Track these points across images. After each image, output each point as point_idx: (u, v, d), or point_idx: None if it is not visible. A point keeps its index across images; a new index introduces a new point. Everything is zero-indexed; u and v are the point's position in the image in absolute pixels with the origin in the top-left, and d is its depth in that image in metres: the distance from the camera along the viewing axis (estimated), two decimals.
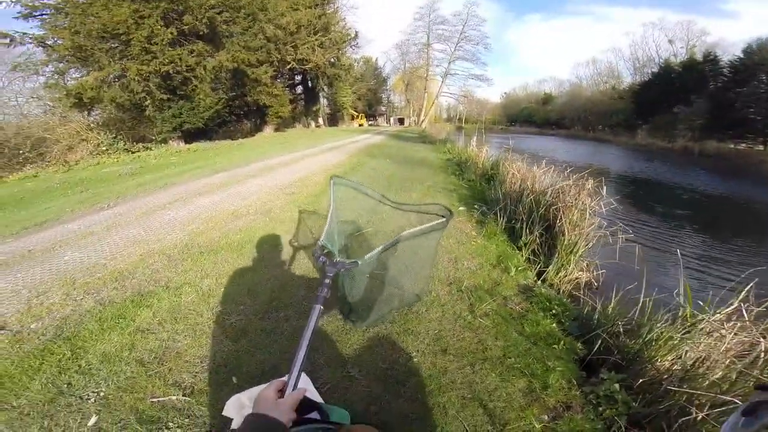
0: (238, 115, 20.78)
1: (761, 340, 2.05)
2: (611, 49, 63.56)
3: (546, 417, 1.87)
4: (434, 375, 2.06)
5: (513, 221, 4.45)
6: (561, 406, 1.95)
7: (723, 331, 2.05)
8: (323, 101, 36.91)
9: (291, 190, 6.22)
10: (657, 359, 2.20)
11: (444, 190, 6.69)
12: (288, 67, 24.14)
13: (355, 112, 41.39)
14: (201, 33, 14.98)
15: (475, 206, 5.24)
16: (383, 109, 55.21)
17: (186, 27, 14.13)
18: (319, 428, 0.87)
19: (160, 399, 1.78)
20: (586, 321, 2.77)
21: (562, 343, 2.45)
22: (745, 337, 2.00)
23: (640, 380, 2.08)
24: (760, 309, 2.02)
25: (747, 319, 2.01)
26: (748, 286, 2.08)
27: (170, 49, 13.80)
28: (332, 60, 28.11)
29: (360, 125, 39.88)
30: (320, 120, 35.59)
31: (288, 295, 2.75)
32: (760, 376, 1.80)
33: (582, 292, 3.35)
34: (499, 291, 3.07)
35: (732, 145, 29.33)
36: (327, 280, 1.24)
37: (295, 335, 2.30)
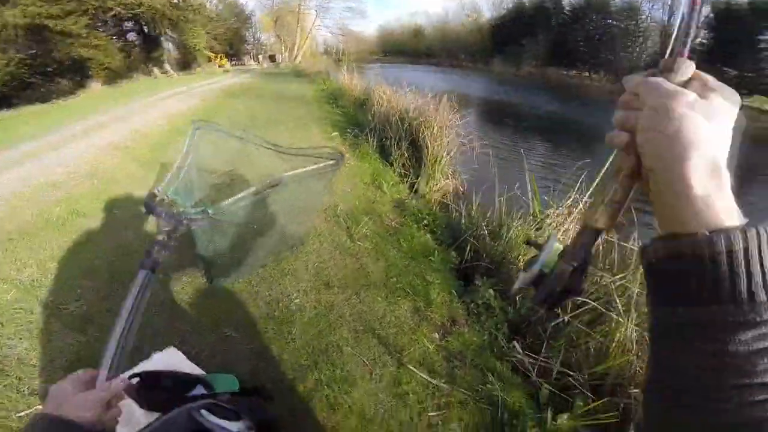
0: (45, 74, 16.66)
1: None
2: None
3: (437, 335, 1.89)
4: (321, 313, 1.94)
5: (383, 140, 4.53)
6: (448, 321, 1.99)
7: (566, 225, 2.20)
8: (169, 46, 31.33)
9: (126, 144, 5.08)
10: (519, 259, 2.28)
11: (317, 119, 6.41)
12: (111, 14, 19.61)
13: (212, 54, 35.84)
14: None
15: (348, 130, 5.18)
16: (249, 47, 49.06)
17: None
18: (206, 404, 0.78)
19: (27, 412, 1.61)
20: (455, 227, 2.85)
21: (436, 253, 2.50)
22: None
23: (510, 286, 2.12)
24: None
25: (583, 208, 2.20)
26: (579, 180, 2.26)
27: None
28: (175, 0, 23.98)
29: (221, 66, 35.03)
30: (166, 66, 30.11)
31: (134, 263, 2.06)
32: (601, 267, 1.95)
33: (451, 199, 3.49)
34: (375, 209, 3.00)
35: (565, 72, 35.26)
36: (161, 237, 0.93)
37: (158, 301, 1.97)
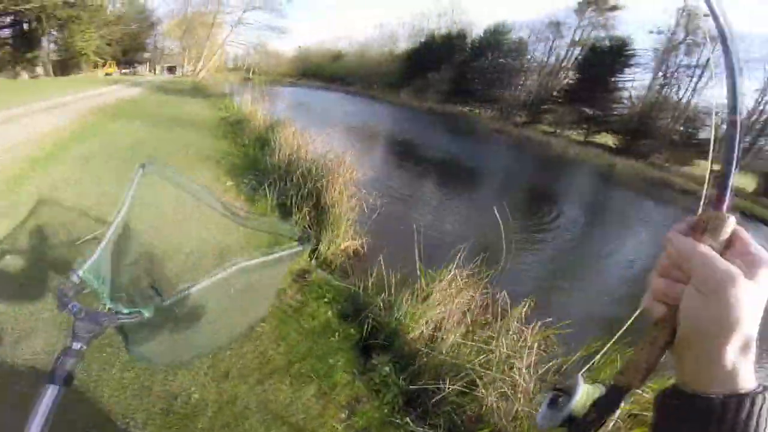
0: None
1: (474, 296, 2.45)
2: (397, 17, 69.80)
3: (343, 415, 1.96)
4: (224, 406, 1.83)
5: (284, 197, 4.25)
6: (353, 400, 2.05)
7: (447, 300, 2.34)
8: (49, 46, 26.87)
9: None
10: (409, 334, 2.34)
11: (212, 159, 5.78)
12: None
13: (100, 59, 31.43)
14: None
15: (245, 181, 4.78)
16: (147, 55, 44.27)
17: None
18: None
19: None
20: (355, 299, 2.89)
21: (338, 333, 2.51)
22: (462, 298, 2.36)
23: (404, 360, 2.28)
24: (469, 272, 2.43)
25: (460, 281, 2.37)
26: (459, 253, 2.46)
27: None
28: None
29: (108, 74, 30.88)
30: (38, 70, 25.60)
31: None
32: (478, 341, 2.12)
33: (352, 266, 3.51)
34: None
35: (460, 108, 38.88)
36: (77, 344, 0.76)
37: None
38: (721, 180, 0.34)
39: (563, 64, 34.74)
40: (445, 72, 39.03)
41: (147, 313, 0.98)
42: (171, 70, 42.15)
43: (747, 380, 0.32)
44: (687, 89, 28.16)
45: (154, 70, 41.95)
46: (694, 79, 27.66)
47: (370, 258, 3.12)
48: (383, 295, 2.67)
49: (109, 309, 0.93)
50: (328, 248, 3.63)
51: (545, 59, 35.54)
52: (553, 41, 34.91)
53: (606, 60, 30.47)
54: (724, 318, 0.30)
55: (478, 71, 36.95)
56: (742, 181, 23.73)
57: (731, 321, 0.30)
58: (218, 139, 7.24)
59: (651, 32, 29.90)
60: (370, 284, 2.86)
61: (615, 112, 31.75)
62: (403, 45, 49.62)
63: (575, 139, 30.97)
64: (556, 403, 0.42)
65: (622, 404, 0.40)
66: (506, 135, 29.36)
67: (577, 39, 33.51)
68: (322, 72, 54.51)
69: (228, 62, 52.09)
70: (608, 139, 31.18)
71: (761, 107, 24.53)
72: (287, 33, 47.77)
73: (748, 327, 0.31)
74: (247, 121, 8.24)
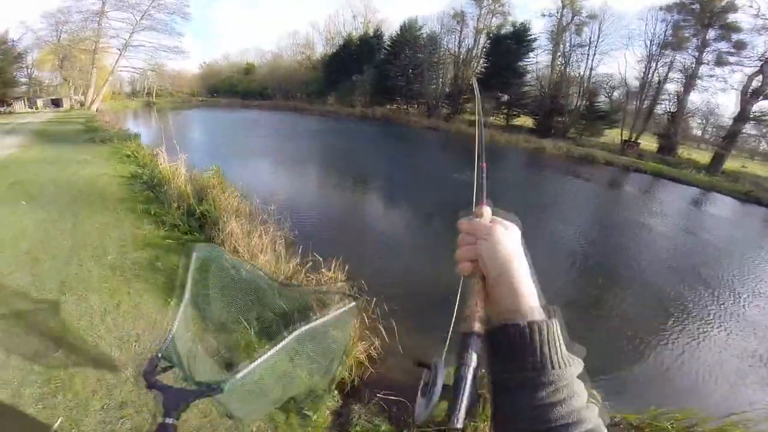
0: None
1: None
2: (310, 23, 66.85)
3: None
4: None
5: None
6: None
7: None
8: None
9: None
10: None
11: (143, 268, 4.19)
12: None
13: None
14: None
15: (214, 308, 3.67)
16: (22, 90, 38.03)
17: None
18: None
19: None
20: None
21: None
22: None
23: None
24: None
25: None
26: None
27: None
28: None
29: None
30: None
31: None
32: None
33: None
34: None
35: (388, 106, 39.08)
36: (170, 420, 0.96)
37: None
38: (479, 192, 0.61)
39: (474, 54, 36.43)
40: (368, 73, 38.87)
41: (225, 388, 1.16)
42: (56, 103, 36.39)
43: (538, 315, 0.49)
44: (584, 66, 31.15)
45: (35, 105, 35.85)
46: (587, 56, 30.68)
47: None
48: None
49: (194, 385, 1.15)
50: None
51: (456, 50, 36.98)
52: (461, 32, 36.40)
53: (510, 46, 32.48)
54: (501, 246, 0.52)
55: (399, 69, 37.35)
56: (646, 142, 26.95)
57: (506, 247, 0.52)
58: (138, 219, 5.59)
59: (543, 15, 32.46)
60: None
61: (528, 95, 34.06)
62: (321, 50, 48.47)
63: (498, 124, 32.73)
64: (425, 392, 0.50)
65: (473, 350, 0.49)
66: (437, 131, 30.08)
67: (480, 27, 35.29)
68: (235, 88, 51.20)
69: (125, 87, 46.80)
70: (527, 121, 33.46)
71: (650, 77, 27.75)
72: (186, 52, 43.89)
73: (519, 254, 0.53)
74: (167, 182, 6.67)
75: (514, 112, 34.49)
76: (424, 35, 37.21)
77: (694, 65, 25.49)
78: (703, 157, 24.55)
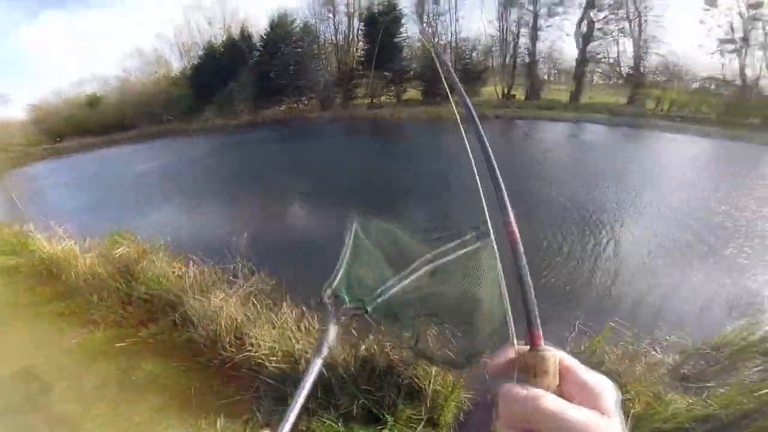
0: None
1: None
2: (157, 37, 55.22)
3: None
4: None
5: None
6: None
7: None
8: None
9: None
10: None
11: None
12: None
13: None
14: None
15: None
16: None
17: None
18: None
19: None
20: None
21: None
22: None
23: None
24: None
25: None
26: None
27: None
28: None
29: None
30: None
31: None
32: None
33: None
34: None
35: (278, 107, 36.99)
36: (331, 332, 1.22)
37: None
38: (530, 317, 0.34)
39: (350, 38, 36.37)
40: (244, 78, 35.79)
41: (369, 308, 1.62)
42: None
43: None
44: (450, 32, 33.62)
45: None
46: (450, 23, 33.19)
47: None
48: None
49: (350, 303, 1.56)
50: None
51: (334, 38, 36.48)
52: (334, 18, 35.89)
53: (382, 24, 33.28)
54: None
55: (279, 67, 35.19)
56: (518, 93, 30.54)
57: None
58: (52, 326, 4.25)
59: None
60: None
61: (408, 69, 35.49)
62: (178, 65, 42.66)
63: (391, 102, 33.67)
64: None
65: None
66: (339, 121, 29.63)
67: (351, 12, 35.32)
68: (83, 125, 42.11)
69: None
70: (416, 93, 34.99)
71: (506, 36, 31.19)
72: (6, 97, 35.09)
73: None
74: (65, 268, 5.07)
75: (403, 89, 35.71)
76: (297, 28, 35.68)
77: (533, 19, 29.49)
78: (564, 95, 28.90)
